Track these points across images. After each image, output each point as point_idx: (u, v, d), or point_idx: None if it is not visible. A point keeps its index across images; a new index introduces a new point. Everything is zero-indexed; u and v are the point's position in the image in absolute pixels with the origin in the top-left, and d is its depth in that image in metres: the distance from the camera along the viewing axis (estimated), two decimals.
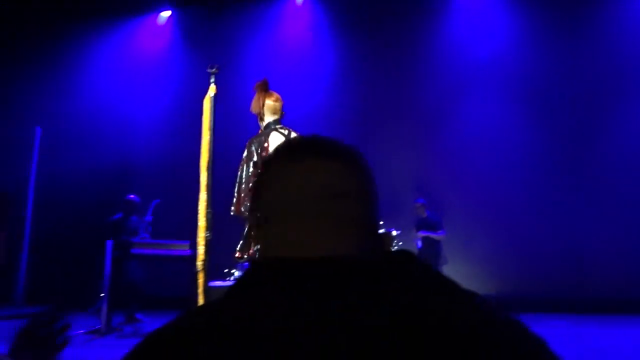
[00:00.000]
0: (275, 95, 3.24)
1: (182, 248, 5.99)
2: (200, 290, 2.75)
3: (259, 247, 0.64)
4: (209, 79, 2.89)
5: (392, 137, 8.43)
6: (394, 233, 7.02)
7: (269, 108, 3.17)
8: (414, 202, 7.59)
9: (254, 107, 3.18)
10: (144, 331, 5.82)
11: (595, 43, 8.08)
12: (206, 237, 2.73)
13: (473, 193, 8.13)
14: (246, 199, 2.92)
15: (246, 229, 2.94)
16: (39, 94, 7.85)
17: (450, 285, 0.55)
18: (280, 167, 0.64)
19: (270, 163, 0.67)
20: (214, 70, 2.89)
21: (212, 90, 2.90)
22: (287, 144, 0.69)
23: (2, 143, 7.38)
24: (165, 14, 9.46)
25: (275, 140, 3.03)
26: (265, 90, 3.21)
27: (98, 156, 8.33)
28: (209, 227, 2.75)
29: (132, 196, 6.59)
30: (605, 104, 8.00)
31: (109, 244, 5.71)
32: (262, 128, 3.18)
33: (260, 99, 3.17)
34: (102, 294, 5.66)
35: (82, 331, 5.57)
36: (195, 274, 6.00)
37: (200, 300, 2.71)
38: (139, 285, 6.38)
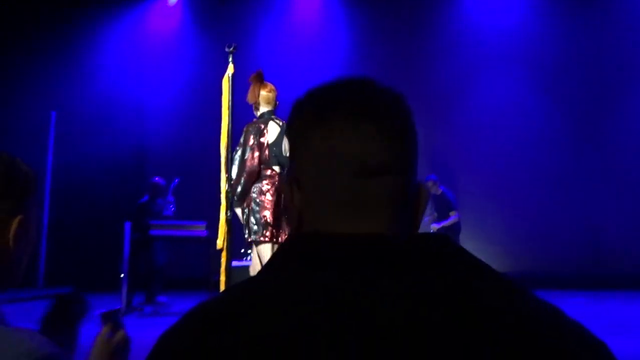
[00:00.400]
0: (270, 86, 3.41)
1: (199, 229, 6.04)
2: (223, 269, 2.77)
3: (290, 215, 0.61)
4: (227, 58, 2.87)
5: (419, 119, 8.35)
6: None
7: (264, 98, 3.36)
8: (425, 179, 7.44)
9: (250, 98, 3.36)
10: (164, 311, 5.93)
11: (613, 18, 7.91)
12: (227, 216, 2.74)
13: (487, 170, 8.08)
14: (239, 183, 3.10)
15: (256, 214, 2.99)
16: (53, 79, 7.88)
17: (486, 271, 0.52)
18: (306, 127, 0.57)
19: (295, 119, 0.60)
20: (231, 49, 2.87)
21: (230, 69, 2.89)
22: (313, 95, 0.59)
23: (18, 128, 7.44)
24: None
25: (273, 129, 3.24)
26: (261, 81, 3.38)
27: (114, 139, 8.38)
28: (229, 207, 2.77)
29: (157, 178, 6.65)
30: (622, 80, 7.86)
31: (128, 226, 5.78)
32: (257, 117, 3.38)
33: (256, 89, 3.34)
34: (122, 275, 5.75)
35: (102, 311, 5.68)
36: (211, 255, 6.09)
37: (223, 280, 2.73)
38: (162, 267, 6.48)
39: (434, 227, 7.18)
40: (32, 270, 7.66)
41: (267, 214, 3.07)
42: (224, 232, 2.84)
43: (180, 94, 9.18)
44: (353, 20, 8.89)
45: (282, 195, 0.66)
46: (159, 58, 9.39)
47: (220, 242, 2.90)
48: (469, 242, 7.38)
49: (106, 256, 6.98)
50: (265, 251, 3.04)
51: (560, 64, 8.09)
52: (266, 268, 0.55)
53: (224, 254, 2.76)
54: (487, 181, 8.00)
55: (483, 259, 0.54)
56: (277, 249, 0.56)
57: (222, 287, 2.75)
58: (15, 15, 7.84)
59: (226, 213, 2.77)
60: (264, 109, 3.36)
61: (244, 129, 3.28)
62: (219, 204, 5.01)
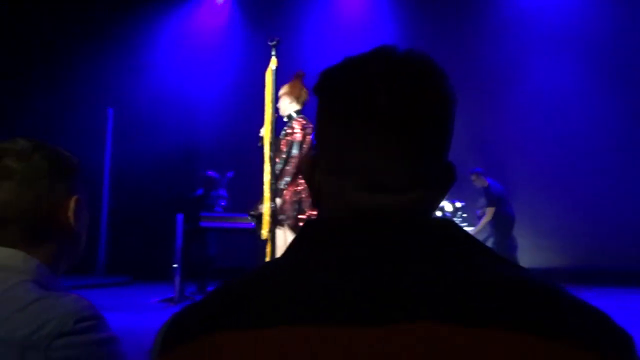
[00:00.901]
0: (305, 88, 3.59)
1: (247, 221, 6.16)
2: (267, 259, 2.83)
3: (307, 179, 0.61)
4: (270, 51, 2.91)
5: (459, 103, 8.17)
6: (458, 205, 6.90)
7: (304, 98, 3.54)
8: (469, 172, 6.91)
9: (292, 91, 3.49)
10: None
11: None
12: (271, 207, 2.80)
13: (538, 161, 7.80)
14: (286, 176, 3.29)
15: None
16: (109, 77, 8.22)
17: (493, 256, 0.52)
18: (326, 112, 0.57)
19: (320, 100, 0.59)
20: (274, 42, 2.91)
21: (273, 63, 2.93)
22: (337, 77, 0.58)
23: (77, 124, 7.82)
24: None
25: None
26: (303, 82, 3.54)
27: (166, 134, 8.66)
28: (273, 198, 2.82)
29: (210, 172, 6.82)
30: None
31: (180, 217, 5.98)
32: (288, 112, 3.53)
33: (302, 87, 3.51)
34: (175, 265, 5.96)
35: (157, 299, 5.92)
36: (259, 246, 6.20)
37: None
38: (213, 258, 6.66)
39: (475, 230, 6.74)
40: (92, 259, 8.08)
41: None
42: (267, 223, 2.90)
43: (228, 89, 9.36)
44: (398, 10, 8.77)
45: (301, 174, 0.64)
46: (208, 54, 9.60)
47: (264, 233, 2.97)
48: (520, 238, 7.10)
49: (160, 247, 7.26)
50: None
51: (615, 51, 7.68)
52: (286, 250, 0.57)
53: (268, 244, 2.81)
54: (537, 172, 7.72)
55: (536, 255, 0.54)
56: (301, 228, 0.57)
57: None
58: (73, 15, 8.21)
59: (269, 204, 2.82)
60: (296, 106, 3.54)
61: (300, 127, 3.44)
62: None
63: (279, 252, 3.36)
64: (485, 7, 8.42)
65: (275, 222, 2.96)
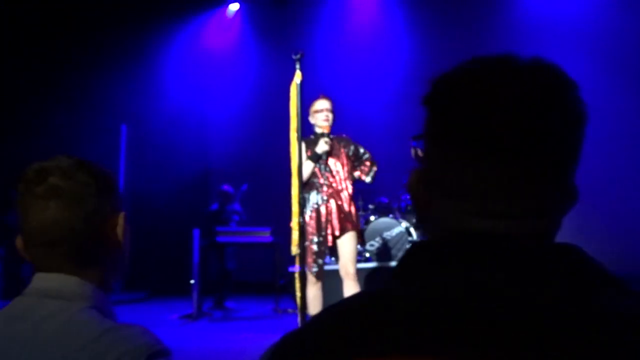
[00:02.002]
0: None
1: (264, 235, 6.14)
2: (297, 274, 2.79)
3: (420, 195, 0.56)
4: (288, 65, 2.89)
5: None
6: None
7: None
8: None
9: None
10: (233, 316, 6.06)
11: None
12: (299, 222, 2.76)
13: None
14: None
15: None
16: (122, 93, 8.27)
17: (621, 288, 0.48)
18: (440, 126, 0.52)
19: (432, 113, 0.54)
20: (298, 56, 2.89)
21: (297, 76, 2.90)
22: (461, 72, 0.53)
23: (91, 140, 7.85)
24: (234, 7, 9.63)
25: None
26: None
27: (180, 150, 8.69)
28: (302, 212, 2.78)
29: (225, 187, 6.84)
30: None
31: (196, 232, 5.96)
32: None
33: None
34: (192, 281, 5.93)
35: (175, 316, 5.88)
36: (276, 260, 6.17)
37: (298, 286, 2.75)
38: (231, 272, 6.64)
39: None
40: None
41: None
42: (297, 237, 2.86)
43: (240, 103, 9.38)
44: (412, 22, 8.77)
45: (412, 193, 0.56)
46: (220, 68, 9.65)
47: (294, 249, 2.92)
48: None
49: (175, 262, 7.24)
50: None
51: (635, 50, 7.62)
52: (400, 270, 0.53)
53: (297, 259, 2.77)
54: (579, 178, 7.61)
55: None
56: (410, 251, 0.53)
57: (298, 293, 2.76)
58: (87, 33, 8.29)
59: (298, 219, 2.78)
60: None
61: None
62: (284, 210, 5.05)
63: None
64: (497, 15, 8.40)
65: (305, 238, 2.92)
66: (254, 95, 9.13)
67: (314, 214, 3.39)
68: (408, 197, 6.80)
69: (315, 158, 3.42)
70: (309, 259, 3.31)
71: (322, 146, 3.41)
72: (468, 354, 0.43)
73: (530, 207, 0.50)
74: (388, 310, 0.47)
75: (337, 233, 3.40)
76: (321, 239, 3.38)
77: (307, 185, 3.41)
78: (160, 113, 8.72)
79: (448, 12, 8.45)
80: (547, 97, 0.49)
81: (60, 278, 0.84)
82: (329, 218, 3.41)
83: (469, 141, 0.50)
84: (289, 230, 4.72)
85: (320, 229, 3.39)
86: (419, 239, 6.39)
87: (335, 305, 0.53)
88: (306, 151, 3.45)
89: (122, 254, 0.94)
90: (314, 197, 3.43)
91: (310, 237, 3.35)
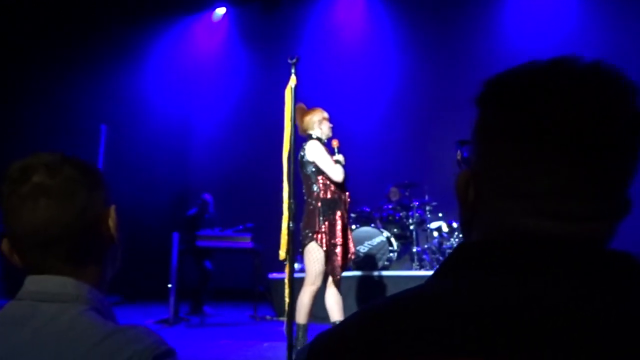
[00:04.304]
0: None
1: (244, 240, 6.09)
2: (287, 279, 2.76)
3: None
4: (285, 69, 2.89)
5: (455, 126, 8.27)
6: (454, 225, 6.89)
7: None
8: None
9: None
10: (210, 321, 5.97)
11: None
12: (289, 227, 2.73)
13: None
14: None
15: None
16: (102, 93, 8.14)
17: None
18: (497, 124, 0.52)
19: (485, 110, 0.54)
20: (294, 60, 2.88)
21: (292, 80, 2.90)
22: (519, 73, 0.52)
23: (69, 140, 7.69)
24: (220, 10, 9.61)
25: None
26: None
27: (159, 151, 8.58)
28: (292, 218, 2.76)
29: (206, 195, 6.89)
30: None
31: (175, 236, 5.87)
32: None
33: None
34: (169, 285, 5.82)
35: (151, 320, 5.76)
36: (255, 266, 6.12)
37: (287, 292, 2.72)
38: (209, 277, 6.57)
39: None
40: None
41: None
42: (286, 243, 2.83)
43: (224, 107, 9.33)
44: (400, 28, 8.88)
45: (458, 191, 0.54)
46: (205, 72, 9.59)
47: (282, 254, 2.90)
48: None
49: (153, 266, 7.11)
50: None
51: (615, 60, 7.84)
52: (446, 269, 0.52)
53: (287, 265, 2.74)
54: None
55: None
56: (457, 250, 0.52)
57: (287, 299, 2.73)
58: (67, 32, 8.15)
59: (288, 224, 2.75)
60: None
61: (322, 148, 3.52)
62: (265, 215, 5.03)
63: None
64: (488, 33, 8.56)
65: (294, 243, 2.90)
66: (239, 99, 9.10)
67: (339, 220, 3.42)
68: (390, 207, 6.83)
69: (341, 165, 3.49)
70: (338, 263, 3.36)
71: (341, 158, 3.51)
72: (511, 357, 0.42)
73: (595, 210, 0.49)
74: (433, 310, 0.46)
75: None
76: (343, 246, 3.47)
77: (339, 189, 3.47)
78: (142, 115, 8.61)
79: (437, 17, 8.59)
80: (617, 101, 0.49)
81: (55, 280, 0.80)
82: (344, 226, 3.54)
83: (536, 140, 0.49)
84: (269, 237, 4.70)
85: (344, 236, 3.47)
86: (398, 249, 6.42)
87: (375, 303, 0.51)
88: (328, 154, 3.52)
89: (117, 248, 0.90)
90: (337, 204, 3.46)
91: (339, 240, 3.39)
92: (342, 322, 0.52)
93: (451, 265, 0.52)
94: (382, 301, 0.51)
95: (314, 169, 3.39)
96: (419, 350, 0.44)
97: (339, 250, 3.40)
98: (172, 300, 5.68)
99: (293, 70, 2.87)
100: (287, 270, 2.71)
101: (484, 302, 0.46)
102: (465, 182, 0.55)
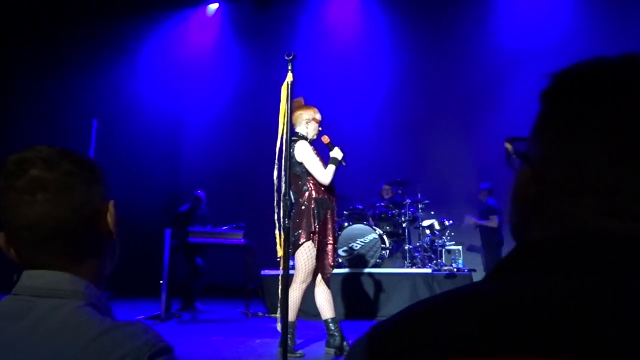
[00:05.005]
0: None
1: (236, 237, 6.08)
2: (281, 276, 2.75)
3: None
4: (287, 65, 2.87)
5: (448, 124, 8.30)
6: (447, 223, 6.93)
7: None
8: (481, 187, 7.37)
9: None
10: (201, 317, 5.95)
11: None
12: (285, 224, 2.72)
13: None
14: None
15: None
16: (94, 87, 8.08)
17: None
18: (568, 118, 0.49)
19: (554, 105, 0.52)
20: (291, 57, 2.86)
21: (289, 77, 2.88)
22: (588, 68, 0.51)
23: (60, 135, 7.63)
24: (213, 6, 9.55)
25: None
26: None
27: (150, 147, 8.52)
28: (287, 215, 2.75)
29: (199, 191, 6.87)
30: None
31: (168, 232, 5.84)
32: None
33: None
34: (161, 281, 5.80)
35: (142, 316, 5.74)
36: (247, 262, 6.11)
37: (281, 287, 2.71)
38: (201, 274, 6.55)
39: (467, 220, 7.19)
40: None
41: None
42: (282, 240, 2.82)
43: (216, 103, 9.29)
44: (394, 24, 8.89)
45: (517, 187, 0.52)
46: (197, 68, 9.54)
47: (280, 250, 2.89)
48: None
49: (145, 262, 7.07)
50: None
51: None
52: (502, 270, 0.50)
53: (282, 262, 2.74)
54: None
55: None
56: (519, 248, 0.50)
57: (281, 296, 2.73)
58: (57, 26, 8.07)
59: (284, 221, 2.75)
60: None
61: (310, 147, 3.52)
62: (258, 211, 5.01)
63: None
64: (478, 32, 8.59)
65: (290, 241, 2.89)
66: (231, 95, 9.06)
67: (330, 219, 3.48)
68: (382, 204, 6.84)
69: (336, 162, 3.48)
70: (329, 261, 3.42)
71: (338, 152, 3.50)
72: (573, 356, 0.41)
73: None
74: (494, 308, 0.44)
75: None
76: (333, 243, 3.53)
77: (328, 189, 3.49)
78: (134, 110, 8.55)
79: (431, 15, 8.61)
80: None
81: (52, 275, 0.79)
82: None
83: (608, 136, 0.47)
84: (261, 233, 4.69)
85: (334, 234, 3.54)
86: (390, 246, 6.43)
87: (433, 298, 0.49)
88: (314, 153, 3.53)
89: (115, 244, 0.89)
90: (328, 203, 3.48)
91: (330, 239, 3.46)
92: (402, 316, 0.49)
93: (515, 264, 0.50)
94: (443, 295, 0.49)
95: (304, 170, 3.43)
96: (478, 350, 0.42)
97: (329, 248, 3.41)
98: (163, 296, 5.66)
99: (290, 67, 2.86)
100: (281, 267, 2.70)
101: (556, 302, 0.44)
102: (526, 180, 0.54)
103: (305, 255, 3.31)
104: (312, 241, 3.35)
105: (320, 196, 3.41)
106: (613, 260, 0.46)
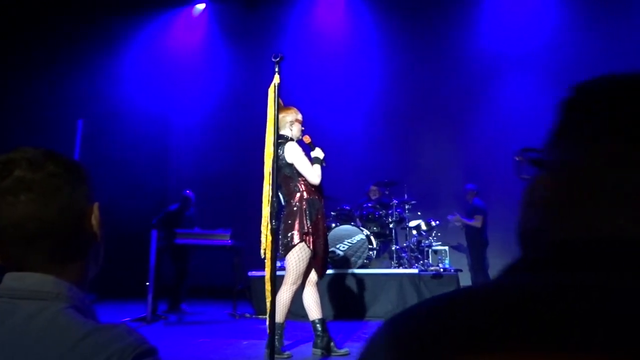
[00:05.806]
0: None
1: (223, 238, 6.06)
2: (267, 278, 2.75)
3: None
4: (274, 67, 2.87)
5: (435, 126, 8.35)
6: (433, 224, 6.97)
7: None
8: (466, 187, 7.41)
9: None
10: (188, 319, 5.92)
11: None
12: (272, 226, 2.72)
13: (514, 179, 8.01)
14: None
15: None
16: (79, 88, 7.99)
17: None
18: (592, 122, 0.51)
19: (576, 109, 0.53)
20: (278, 59, 2.87)
21: (276, 79, 2.88)
22: (612, 79, 0.53)
23: (45, 135, 7.54)
24: (200, 6, 9.51)
25: None
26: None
27: (136, 147, 8.46)
28: (274, 216, 2.75)
29: (187, 192, 6.83)
30: None
31: (154, 234, 5.81)
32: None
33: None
34: (147, 283, 5.76)
35: (128, 318, 5.69)
36: (234, 264, 6.09)
37: (268, 288, 2.71)
38: (187, 275, 6.52)
39: (457, 217, 7.21)
40: None
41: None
42: (268, 241, 2.82)
43: (204, 103, 9.25)
44: (381, 26, 8.92)
45: (530, 189, 0.53)
46: (184, 68, 9.49)
47: (264, 252, 2.89)
48: (493, 257, 7.26)
49: (130, 263, 7.01)
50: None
51: (584, 72, 8.02)
52: (518, 268, 0.51)
53: (267, 263, 2.73)
54: (515, 190, 7.92)
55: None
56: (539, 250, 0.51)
57: (268, 297, 2.73)
58: (43, 25, 7.97)
59: (271, 222, 2.74)
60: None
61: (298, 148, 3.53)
62: (245, 212, 4.99)
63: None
64: (463, 33, 8.65)
65: (277, 242, 2.89)
66: (218, 96, 9.03)
67: (321, 220, 3.49)
68: (370, 205, 6.87)
69: (319, 162, 3.50)
70: (320, 262, 3.44)
71: (319, 152, 3.52)
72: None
73: None
74: (528, 306, 0.44)
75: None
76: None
77: (317, 190, 3.50)
78: (120, 110, 8.47)
79: (418, 16, 8.65)
80: None
81: (35, 277, 0.79)
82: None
83: (633, 142, 0.49)
84: (249, 234, 4.68)
85: (325, 235, 3.57)
86: (378, 247, 6.46)
87: (452, 295, 0.49)
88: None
89: (99, 246, 0.89)
90: (318, 204, 3.49)
91: (321, 240, 3.47)
92: (426, 307, 0.49)
93: (541, 264, 0.51)
94: (463, 290, 0.49)
95: (294, 171, 3.43)
96: (495, 348, 0.42)
97: (321, 249, 3.42)
98: (149, 298, 5.63)
99: (277, 69, 2.86)
100: (267, 268, 2.70)
101: (578, 304, 0.44)
102: (544, 187, 0.55)
103: (298, 256, 3.31)
104: (306, 242, 3.35)
105: (311, 197, 3.42)
106: (637, 265, 0.46)
